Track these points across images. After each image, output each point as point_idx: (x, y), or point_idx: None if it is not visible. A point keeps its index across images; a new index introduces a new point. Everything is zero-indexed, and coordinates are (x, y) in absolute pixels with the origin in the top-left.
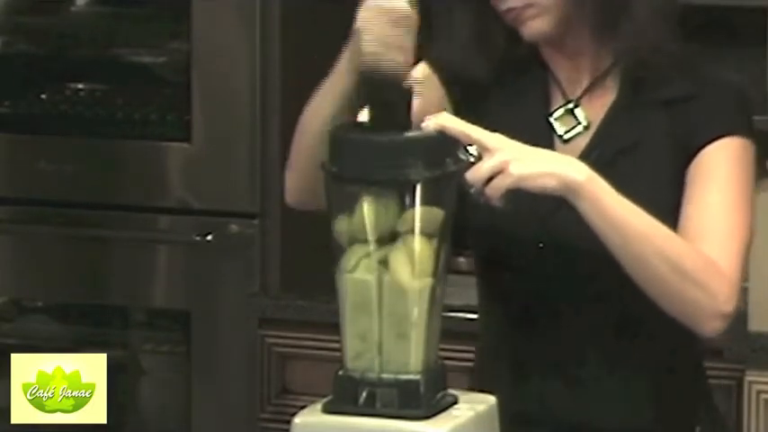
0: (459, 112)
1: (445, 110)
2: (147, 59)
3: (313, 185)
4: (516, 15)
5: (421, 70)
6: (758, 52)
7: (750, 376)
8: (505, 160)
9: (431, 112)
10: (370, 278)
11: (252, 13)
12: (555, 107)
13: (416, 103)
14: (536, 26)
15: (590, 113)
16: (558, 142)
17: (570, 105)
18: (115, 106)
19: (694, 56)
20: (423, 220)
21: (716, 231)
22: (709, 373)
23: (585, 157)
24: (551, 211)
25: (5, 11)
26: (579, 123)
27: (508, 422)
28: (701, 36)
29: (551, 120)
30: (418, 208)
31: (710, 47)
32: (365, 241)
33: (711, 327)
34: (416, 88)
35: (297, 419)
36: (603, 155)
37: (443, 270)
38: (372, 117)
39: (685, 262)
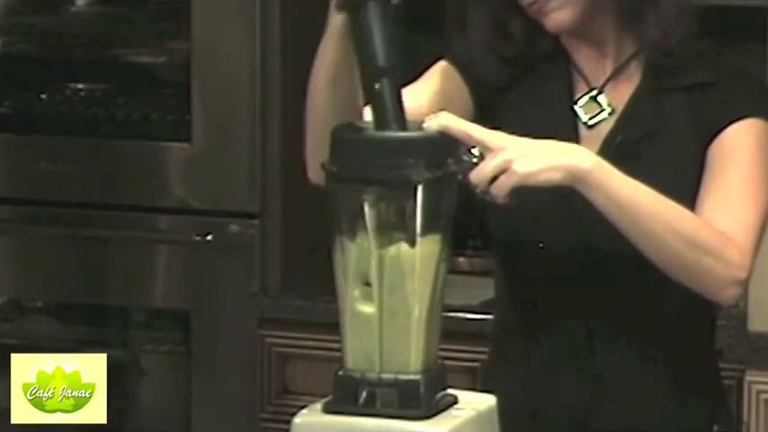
0: (483, 107)
1: (466, 105)
2: (147, 59)
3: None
4: (539, 8)
5: (441, 66)
6: (758, 52)
7: (750, 376)
8: (509, 159)
9: (453, 106)
10: (371, 278)
11: (252, 12)
12: (579, 95)
13: (434, 93)
14: (559, 18)
15: (614, 99)
16: (582, 129)
17: (594, 92)
18: (115, 106)
19: (714, 49)
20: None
21: (732, 206)
22: (720, 372)
23: (610, 141)
24: (562, 208)
25: (5, 11)
26: (603, 110)
27: (520, 417)
28: (701, 35)
29: (576, 107)
30: (419, 208)
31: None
32: (365, 241)
33: (727, 294)
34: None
35: (297, 419)
36: (627, 139)
37: (443, 270)
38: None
39: (698, 235)
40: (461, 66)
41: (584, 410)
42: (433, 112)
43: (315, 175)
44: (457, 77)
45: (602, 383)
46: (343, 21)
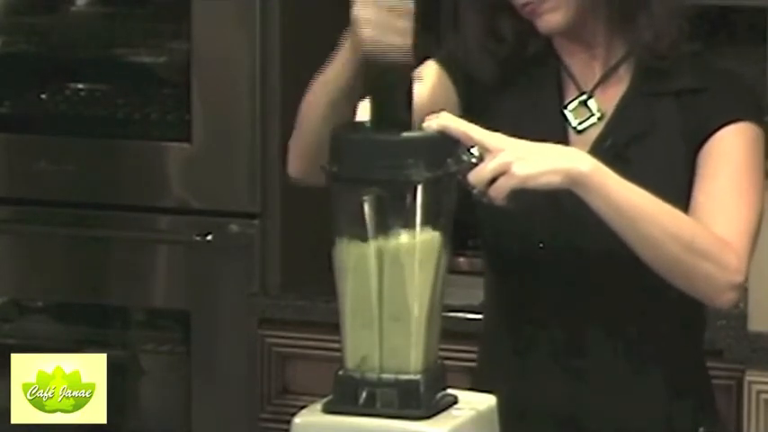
0: (470, 108)
1: (454, 107)
2: (147, 59)
3: (315, 162)
4: (533, 9)
5: (430, 67)
6: (758, 52)
7: (750, 376)
8: (508, 161)
9: (439, 108)
10: (371, 278)
11: (252, 13)
12: (569, 99)
13: (422, 96)
14: (552, 19)
15: (603, 104)
16: (572, 133)
17: (584, 97)
18: (115, 106)
19: (705, 53)
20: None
21: (725, 211)
22: (709, 373)
23: (598, 145)
24: (554, 209)
25: (5, 11)
26: (593, 114)
27: (510, 418)
28: (700, 36)
29: (566, 112)
30: (419, 208)
31: (710, 47)
32: (365, 241)
33: (725, 298)
34: (417, 73)
35: (297, 419)
36: (616, 143)
37: (443, 270)
38: (374, 106)
39: (695, 239)
40: (450, 66)
41: (572, 411)
42: (425, 113)
43: (294, 170)
44: (444, 78)
45: (590, 384)
46: (357, 44)
